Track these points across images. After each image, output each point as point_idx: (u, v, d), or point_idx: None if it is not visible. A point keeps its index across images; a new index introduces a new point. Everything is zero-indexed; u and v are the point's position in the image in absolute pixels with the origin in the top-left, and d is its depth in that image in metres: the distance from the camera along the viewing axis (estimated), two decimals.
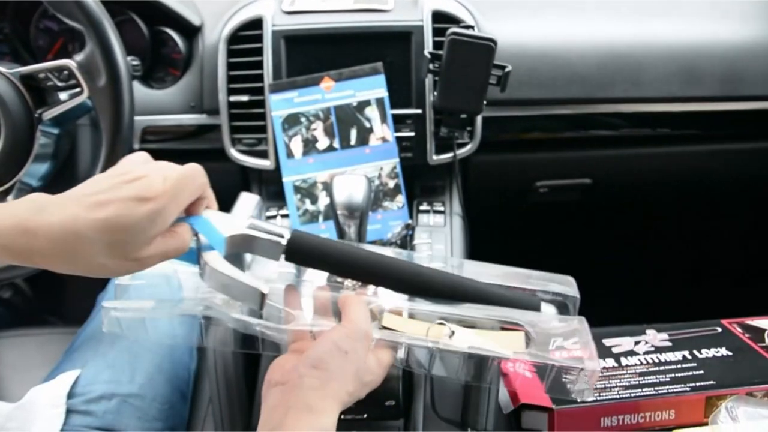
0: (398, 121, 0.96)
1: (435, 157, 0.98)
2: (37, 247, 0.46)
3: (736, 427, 0.65)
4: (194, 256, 0.53)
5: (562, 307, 0.63)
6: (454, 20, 0.96)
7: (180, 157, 1.03)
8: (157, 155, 1.08)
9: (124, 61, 0.77)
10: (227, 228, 0.54)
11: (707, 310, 0.90)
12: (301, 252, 0.56)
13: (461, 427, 0.74)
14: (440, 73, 0.88)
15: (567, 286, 0.64)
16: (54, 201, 0.47)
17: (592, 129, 1.08)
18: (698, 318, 0.87)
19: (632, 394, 0.73)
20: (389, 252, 0.61)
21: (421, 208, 0.99)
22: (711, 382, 0.74)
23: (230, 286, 0.52)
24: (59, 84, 0.76)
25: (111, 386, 0.74)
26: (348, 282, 0.62)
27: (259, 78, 0.96)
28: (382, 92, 0.95)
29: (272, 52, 0.96)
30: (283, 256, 0.56)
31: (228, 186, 1.04)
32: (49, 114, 0.78)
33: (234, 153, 0.98)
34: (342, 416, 0.52)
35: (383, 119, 0.95)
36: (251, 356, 0.77)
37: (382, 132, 0.96)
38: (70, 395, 0.72)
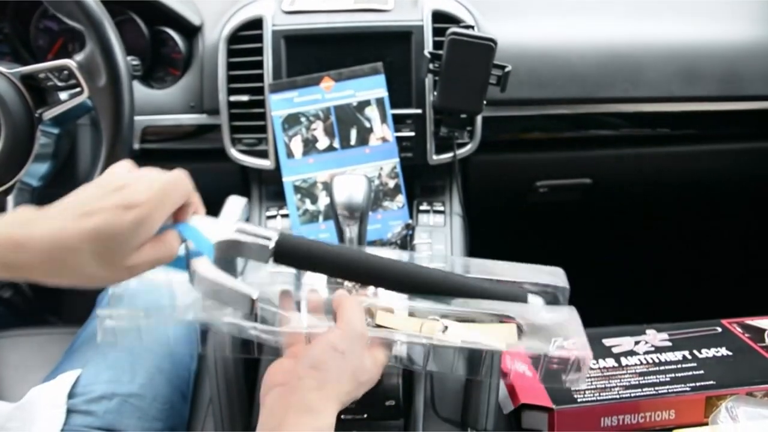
0: (398, 121, 0.96)
1: (435, 157, 0.98)
2: (26, 260, 0.46)
3: (736, 427, 0.66)
4: (183, 262, 0.53)
5: (552, 298, 0.63)
6: (454, 20, 0.96)
7: (180, 157, 1.04)
8: (157, 155, 1.08)
9: (124, 61, 0.77)
10: (215, 234, 0.54)
11: (707, 310, 0.90)
12: (289, 254, 0.56)
13: (461, 427, 0.74)
14: (440, 73, 0.88)
15: (556, 277, 0.64)
16: (41, 214, 0.48)
17: (592, 129, 1.08)
18: (698, 318, 0.87)
19: (632, 394, 0.73)
20: (386, 252, 0.61)
21: (421, 208, 0.99)
22: (711, 382, 0.74)
23: (220, 292, 0.52)
24: (59, 84, 0.77)
25: (111, 386, 0.74)
26: (348, 282, 0.62)
27: (259, 78, 0.96)
28: (382, 92, 0.95)
29: (272, 52, 0.96)
30: (271, 259, 0.56)
31: (228, 186, 1.04)
32: (50, 114, 0.78)
33: (234, 153, 0.98)
34: (342, 416, 0.53)
35: (383, 119, 0.95)
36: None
37: (382, 132, 0.96)
38: (71, 395, 0.73)
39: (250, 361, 0.77)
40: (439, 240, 0.95)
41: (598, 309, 0.75)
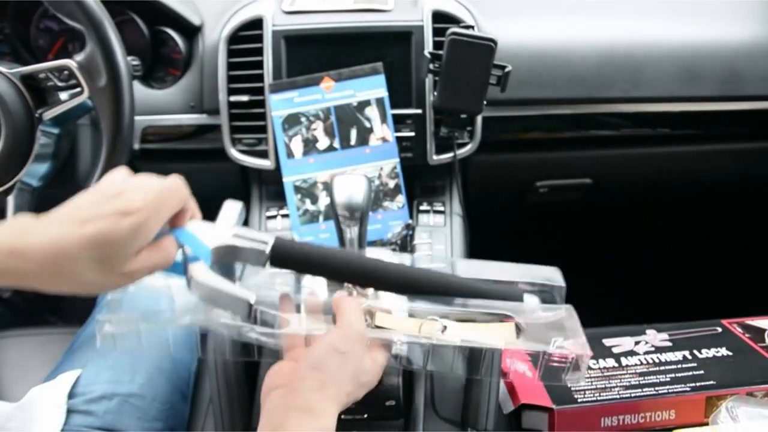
0: (398, 121, 0.96)
1: (435, 157, 0.98)
2: (26, 268, 0.47)
3: (736, 427, 0.66)
4: (181, 268, 0.53)
5: (549, 298, 0.64)
6: (454, 20, 0.96)
7: (180, 157, 1.04)
8: (157, 155, 1.08)
9: (124, 61, 0.77)
10: (212, 239, 0.54)
11: (707, 310, 0.90)
12: (285, 258, 0.57)
13: (461, 427, 0.74)
14: (440, 73, 0.88)
15: (552, 276, 0.65)
16: (39, 222, 0.48)
17: (592, 129, 1.08)
18: (698, 318, 0.87)
19: (632, 394, 0.73)
20: (385, 254, 0.62)
21: (422, 208, 0.99)
22: (711, 382, 0.74)
23: (217, 297, 0.53)
24: (59, 84, 0.77)
25: (111, 386, 0.75)
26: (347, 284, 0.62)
27: (260, 78, 0.96)
28: (382, 92, 0.95)
29: (272, 52, 0.96)
30: (268, 263, 0.57)
31: (228, 186, 1.05)
32: (50, 114, 0.78)
33: (234, 153, 0.98)
34: (342, 416, 0.53)
35: (383, 119, 0.95)
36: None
37: (382, 132, 0.96)
38: (71, 395, 0.73)
39: (250, 362, 0.77)
40: (439, 240, 0.95)
41: (598, 309, 0.75)
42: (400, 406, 0.72)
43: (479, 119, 0.98)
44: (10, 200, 0.79)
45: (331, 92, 0.95)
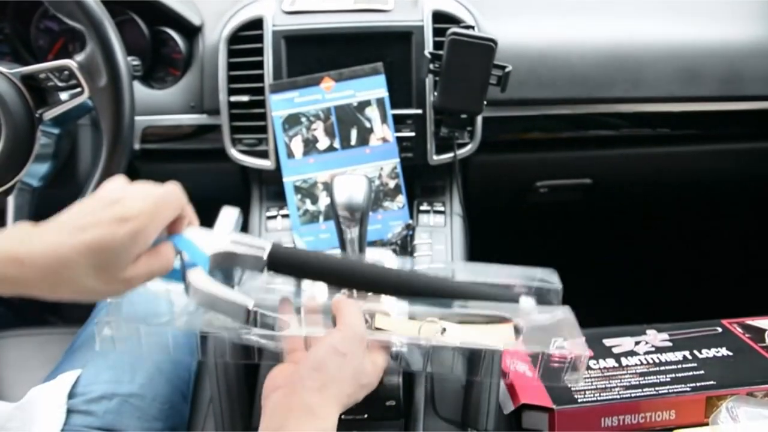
0: (398, 121, 0.96)
1: (435, 157, 0.98)
2: (25, 275, 0.47)
3: (736, 427, 0.66)
4: (179, 274, 0.54)
5: (545, 299, 0.64)
6: (455, 20, 0.96)
7: (180, 157, 1.04)
8: (157, 155, 1.08)
9: (124, 61, 0.77)
10: (210, 245, 0.55)
11: (707, 310, 0.90)
12: (282, 263, 0.57)
13: (461, 427, 0.74)
14: (440, 73, 0.88)
15: (548, 278, 0.65)
16: (38, 230, 0.48)
17: (592, 129, 1.08)
18: (698, 318, 0.87)
19: (632, 395, 0.73)
20: (384, 254, 0.62)
21: (422, 208, 0.99)
22: (711, 382, 0.74)
23: (215, 302, 0.53)
24: (60, 84, 0.77)
25: (111, 386, 0.75)
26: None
27: (260, 78, 0.96)
28: (383, 92, 0.95)
29: (273, 52, 0.96)
30: (266, 269, 0.57)
31: (228, 186, 1.05)
32: (50, 114, 0.78)
33: (234, 153, 0.98)
34: (342, 416, 0.53)
35: (383, 119, 0.95)
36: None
37: (383, 132, 0.96)
38: (71, 395, 0.73)
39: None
40: (439, 240, 0.95)
41: (598, 309, 0.75)
42: (401, 406, 0.72)
43: (479, 119, 0.98)
44: (11, 200, 0.79)
45: (331, 92, 0.95)
